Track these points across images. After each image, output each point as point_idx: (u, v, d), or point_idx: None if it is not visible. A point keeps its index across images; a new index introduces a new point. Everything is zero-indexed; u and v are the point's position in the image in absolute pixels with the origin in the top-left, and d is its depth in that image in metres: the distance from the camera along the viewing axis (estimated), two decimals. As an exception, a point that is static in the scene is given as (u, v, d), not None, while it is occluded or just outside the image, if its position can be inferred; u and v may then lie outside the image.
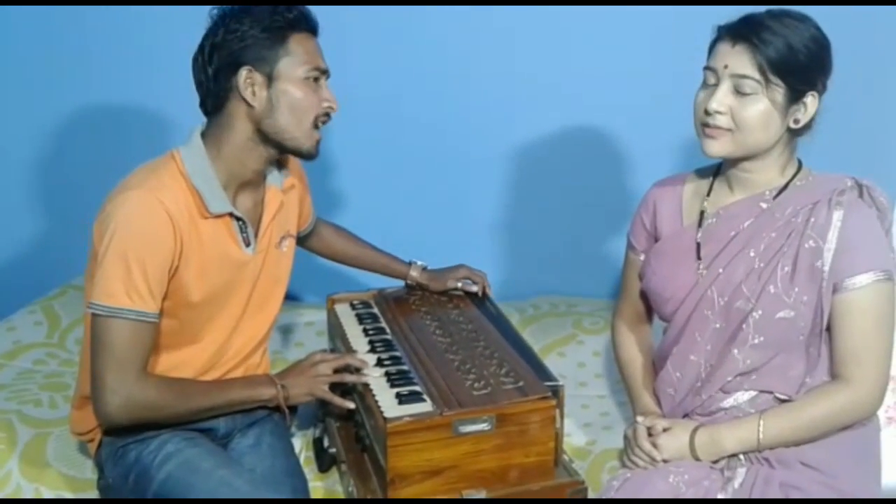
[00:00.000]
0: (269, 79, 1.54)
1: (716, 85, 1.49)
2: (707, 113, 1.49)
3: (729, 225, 1.58)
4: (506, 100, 2.42)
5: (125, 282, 1.46)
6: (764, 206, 1.56)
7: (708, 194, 1.64)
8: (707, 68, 1.51)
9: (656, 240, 1.71)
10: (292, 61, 1.55)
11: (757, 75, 1.44)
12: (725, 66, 1.47)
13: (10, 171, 2.61)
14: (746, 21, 1.48)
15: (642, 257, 1.74)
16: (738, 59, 1.46)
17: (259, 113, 1.55)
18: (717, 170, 1.65)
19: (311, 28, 1.60)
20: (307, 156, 1.62)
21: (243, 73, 1.53)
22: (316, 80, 1.58)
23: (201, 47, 1.57)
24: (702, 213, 1.63)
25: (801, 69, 1.45)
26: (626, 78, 2.32)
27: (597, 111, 2.39)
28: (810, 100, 1.48)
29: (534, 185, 2.53)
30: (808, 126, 1.53)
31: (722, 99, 1.47)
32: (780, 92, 1.46)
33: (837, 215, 1.49)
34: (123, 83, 2.48)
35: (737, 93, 1.47)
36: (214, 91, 1.56)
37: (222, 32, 1.54)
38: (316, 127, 1.60)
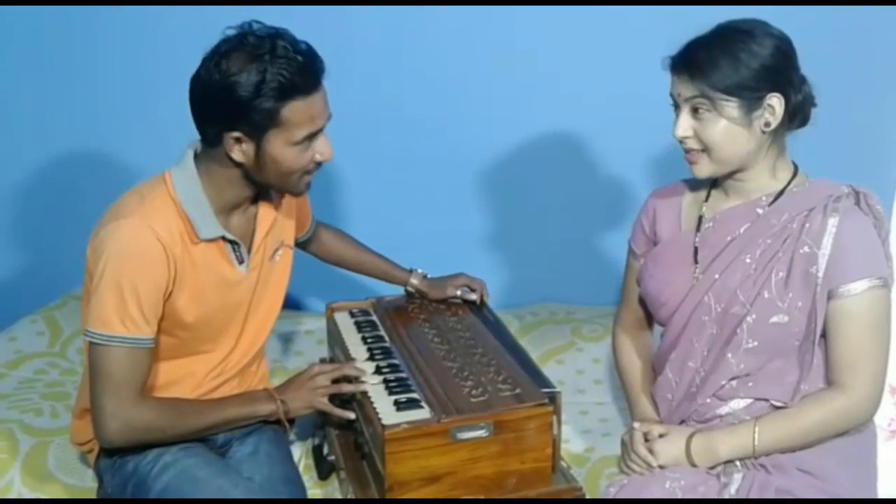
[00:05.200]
0: (258, 145, 1.48)
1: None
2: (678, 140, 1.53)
3: (725, 229, 1.59)
4: (505, 106, 2.43)
5: (119, 310, 1.47)
6: (760, 211, 1.57)
7: (706, 200, 1.65)
8: (670, 95, 1.55)
9: (655, 244, 1.72)
10: (284, 132, 1.47)
11: (703, 96, 1.47)
12: (679, 94, 1.51)
13: (12, 178, 2.62)
14: (686, 48, 1.50)
15: (642, 262, 1.75)
16: (685, 86, 1.49)
17: (247, 167, 1.52)
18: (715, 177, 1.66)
19: (311, 88, 1.48)
20: (297, 195, 1.65)
21: (233, 138, 1.48)
22: (309, 139, 1.51)
23: (194, 80, 1.48)
24: (700, 218, 1.64)
25: (748, 81, 1.46)
26: (626, 83, 2.31)
27: (595, 117, 2.39)
28: (775, 101, 1.48)
29: (533, 192, 2.53)
30: (794, 119, 1.52)
31: (684, 124, 1.51)
32: (732, 106, 1.47)
33: (833, 221, 1.50)
34: (128, 88, 2.49)
35: (696, 114, 1.50)
36: (203, 132, 1.52)
37: (217, 82, 1.44)
38: (307, 173, 1.56)
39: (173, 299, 1.54)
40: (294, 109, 1.46)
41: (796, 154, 1.60)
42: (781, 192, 1.56)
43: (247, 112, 1.44)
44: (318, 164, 1.57)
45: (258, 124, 1.46)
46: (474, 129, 2.44)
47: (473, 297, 2.01)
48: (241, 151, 1.50)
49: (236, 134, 1.47)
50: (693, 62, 1.48)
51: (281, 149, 1.49)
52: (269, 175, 1.53)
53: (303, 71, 1.45)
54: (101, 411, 1.50)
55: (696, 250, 1.62)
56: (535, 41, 2.37)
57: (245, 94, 1.43)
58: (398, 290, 2.07)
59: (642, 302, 1.77)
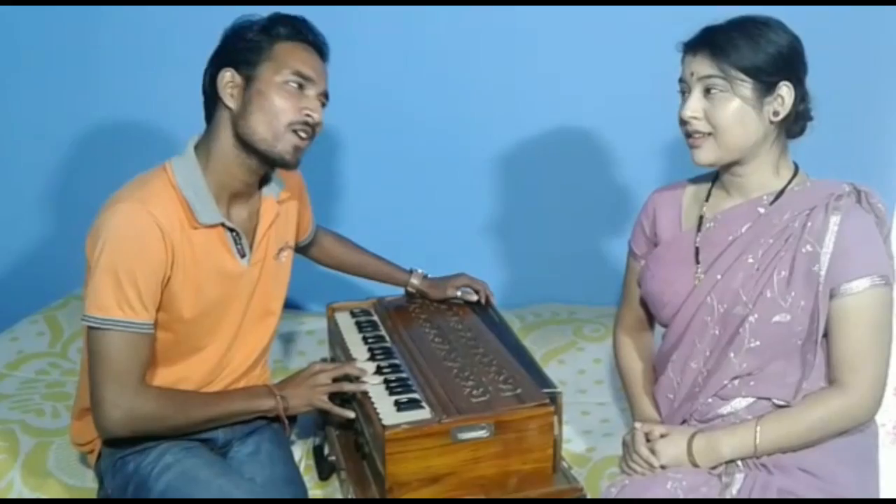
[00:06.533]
0: (248, 80, 1.54)
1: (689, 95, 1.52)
2: (684, 122, 1.52)
3: (727, 229, 1.59)
4: (505, 105, 2.42)
5: (116, 294, 1.46)
6: (761, 210, 1.56)
7: (707, 199, 1.65)
8: (679, 81, 1.54)
9: (655, 245, 1.72)
10: (273, 66, 1.54)
11: (720, 73, 1.47)
12: (692, 74, 1.51)
13: (13, 179, 2.62)
14: (705, 31, 1.52)
15: (643, 263, 1.75)
16: (701, 64, 1.49)
17: (236, 115, 1.55)
18: (716, 175, 1.66)
19: (307, 40, 1.60)
20: (281, 161, 1.57)
21: (226, 74, 1.54)
22: (300, 87, 1.56)
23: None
24: (701, 217, 1.64)
25: (765, 64, 1.47)
26: (628, 82, 2.32)
27: (597, 116, 2.39)
28: (785, 90, 1.49)
29: (535, 192, 2.53)
30: (795, 123, 1.53)
31: (694, 104, 1.51)
32: (747, 87, 1.47)
33: (834, 220, 1.50)
34: (130, 92, 2.48)
35: (707, 95, 1.50)
36: (208, 95, 1.59)
37: (221, 40, 1.58)
38: (293, 133, 1.55)
39: (171, 286, 1.53)
40: (288, 49, 1.57)
41: (797, 154, 1.60)
42: (782, 192, 1.56)
43: (244, 47, 1.55)
44: (307, 125, 1.56)
45: (252, 58, 1.55)
46: (475, 129, 2.44)
47: (474, 297, 2.01)
48: (231, 95, 1.55)
49: (229, 71, 1.55)
50: (713, 41, 1.49)
51: (269, 81, 1.54)
52: (252, 120, 1.53)
53: (301, 27, 1.60)
54: (102, 399, 1.49)
55: (697, 250, 1.62)
56: (536, 41, 2.37)
57: (242, 29, 1.57)
58: (397, 291, 2.07)
59: (643, 302, 1.77)
